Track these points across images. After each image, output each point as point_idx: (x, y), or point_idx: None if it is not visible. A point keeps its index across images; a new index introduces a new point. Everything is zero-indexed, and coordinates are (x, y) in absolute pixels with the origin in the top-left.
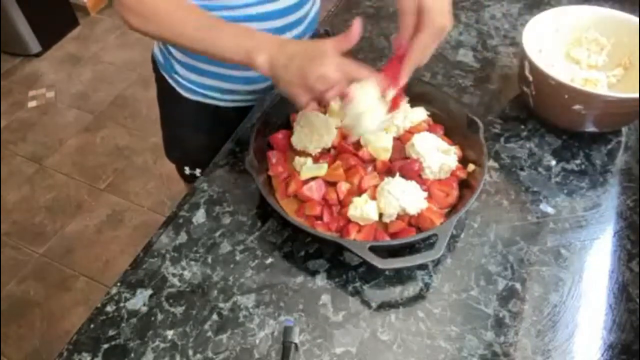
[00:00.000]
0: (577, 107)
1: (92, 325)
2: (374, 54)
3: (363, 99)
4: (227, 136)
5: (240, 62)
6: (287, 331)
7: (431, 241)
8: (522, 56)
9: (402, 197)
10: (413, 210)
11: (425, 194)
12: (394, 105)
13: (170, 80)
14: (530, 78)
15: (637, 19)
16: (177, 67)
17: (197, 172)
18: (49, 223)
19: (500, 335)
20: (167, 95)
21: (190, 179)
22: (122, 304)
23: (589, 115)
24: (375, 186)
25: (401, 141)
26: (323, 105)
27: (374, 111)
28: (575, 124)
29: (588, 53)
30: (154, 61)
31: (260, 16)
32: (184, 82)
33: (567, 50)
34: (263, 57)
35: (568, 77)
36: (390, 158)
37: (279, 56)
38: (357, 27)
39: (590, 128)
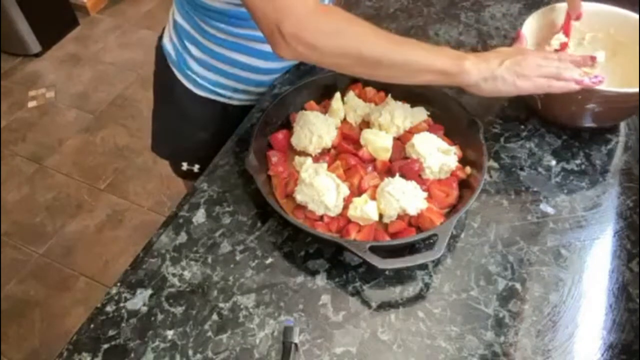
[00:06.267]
0: (590, 105)
1: (92, 325)
2: None
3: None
4: (231, 133)
5: (443, 69)
6: (287, 331)
7: (431, 241)
8: None
9: (402, 198)
10: (413, 210)
11: (425, 194)
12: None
13: (179, 75)
14: None
15: (634, 14)
16: (192, 64)
17: (196, 167)
18: (49, 223)
19: (500, 335)
20: (170, 89)
21: (186, 175)
22: (122, 304)
23: (601, 112)
24: (375, 186)
25: (401, 141)
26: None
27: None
28: (583, 121)
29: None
30: (159, 55)
31: None
32: (197, 79)
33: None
34: (470, 62)
35: None
36: (390, 158)
37: (483, 61)
38: (523, 36)
39: (606, 123)
